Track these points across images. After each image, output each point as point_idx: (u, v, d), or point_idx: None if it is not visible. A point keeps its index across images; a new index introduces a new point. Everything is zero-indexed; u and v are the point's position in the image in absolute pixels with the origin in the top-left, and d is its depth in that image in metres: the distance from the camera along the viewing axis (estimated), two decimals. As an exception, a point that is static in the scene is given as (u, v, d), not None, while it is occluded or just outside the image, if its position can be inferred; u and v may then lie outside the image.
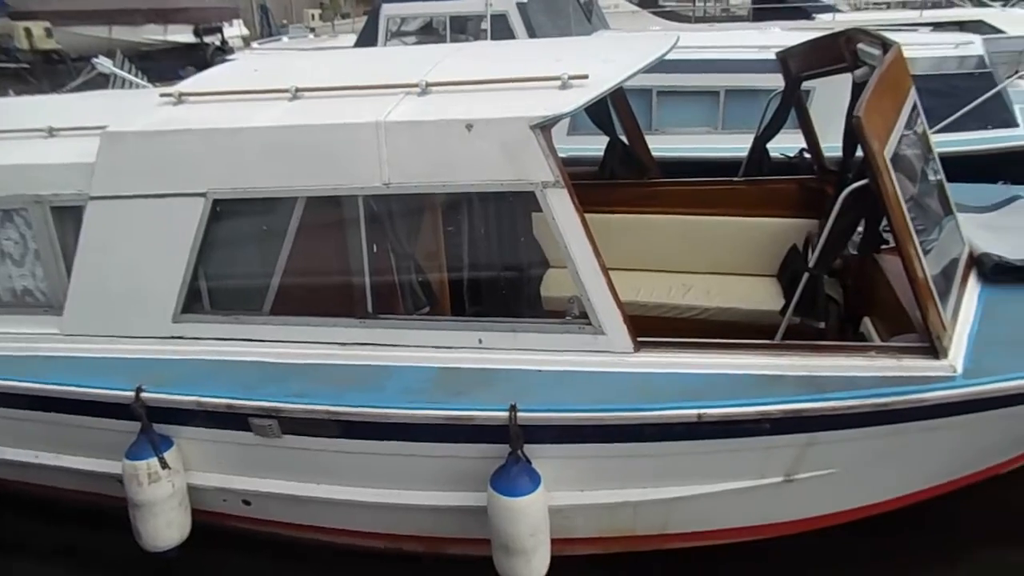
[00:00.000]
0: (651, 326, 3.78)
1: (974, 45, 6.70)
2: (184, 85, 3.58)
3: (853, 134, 3.05)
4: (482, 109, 2.88)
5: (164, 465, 3.05)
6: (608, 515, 3.10)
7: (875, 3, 19.09)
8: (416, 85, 3.07)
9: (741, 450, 2.86)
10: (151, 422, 3.05)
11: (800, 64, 4.36)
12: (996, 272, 3.34)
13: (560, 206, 2.81)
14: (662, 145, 5.11)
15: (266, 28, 17.11)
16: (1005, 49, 10.56)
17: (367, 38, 8.11)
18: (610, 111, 4.82)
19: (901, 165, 3.08)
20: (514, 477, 2.77)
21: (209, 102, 3.34)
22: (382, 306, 3.17)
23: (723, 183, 4.78)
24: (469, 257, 3.21)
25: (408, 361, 3.09)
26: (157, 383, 3.08)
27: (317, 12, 18.03)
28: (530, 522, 2.80)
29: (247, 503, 3.31)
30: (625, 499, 3.03)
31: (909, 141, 3.29)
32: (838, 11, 15.80)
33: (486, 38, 7.66)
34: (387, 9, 8.02)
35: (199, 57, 10.99)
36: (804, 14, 14.63)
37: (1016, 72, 7.64)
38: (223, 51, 12.65)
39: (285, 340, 3.22)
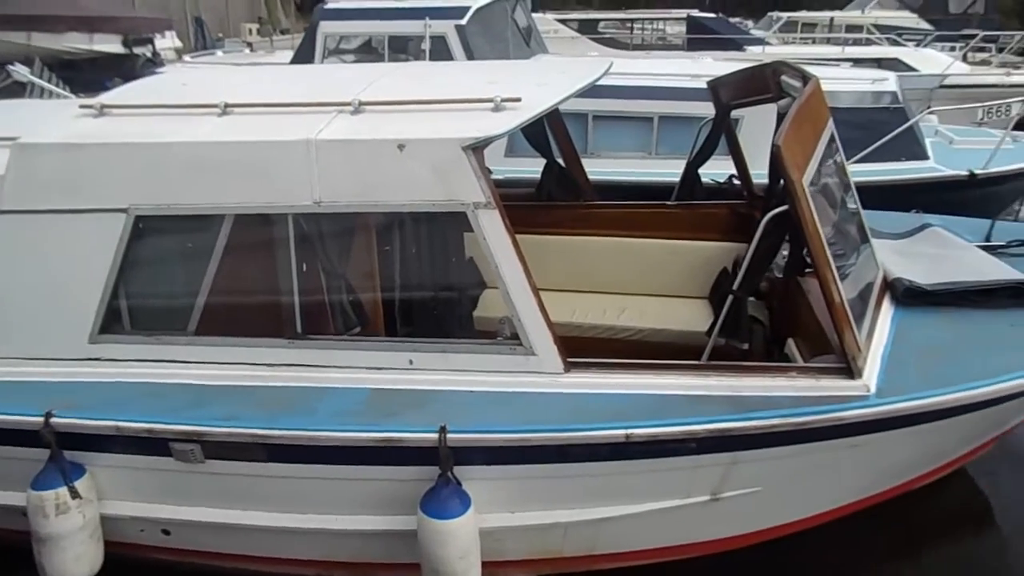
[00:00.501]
0: (586, 347, 3.82)
1: (889, 82, 7.08)
2: (107, 97, 3.47)
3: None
4: (414, 129, 2.88)
5: (74, 495, 2.88)
6: (538, 537, 3.10)
7: (802, 38, 19.93)
8: (349, 104, 3.05)
9: (668, 469, 2.90)
10: (61, 449, 2.89)
11: (729, 93, 4.52)
12: (908, 296, 3.48)
13: (491, 227, 2.83)
14: (597, 169, 5.21)
15: (200, 41, 16.73)
16: (917, 86, 11.18)
17: (304, 55, 8.00)
18: (547, 134, 4.89)
19: (819, 192, 3.21)
20: (444, 499, 2.75)
21: (133, 115, 3.23)
22: (312, 326, 3.11)
23: (657, 207, 4.89)
24: (401, 277, 3.19)
25: (339, 383, 3.04)
26: (70, 407, 2.93)
27: (255, 26, 17.74)
28: (460, 545, 2.77)
29: (166, 532, 3.18)
30: (555, 520, 3.03)
31: (827, 170, 3.43)
32: (768, 44, 16.49)
33: (426, 59, 7.70)
34: (324, 27, 7.93)
35: (128, 68, 10.61)
36: (736, 45, 15.21)
37: (927, 108, 8.08)
38: (154, 63, 12.28)
39: (210, 361, 3.13)
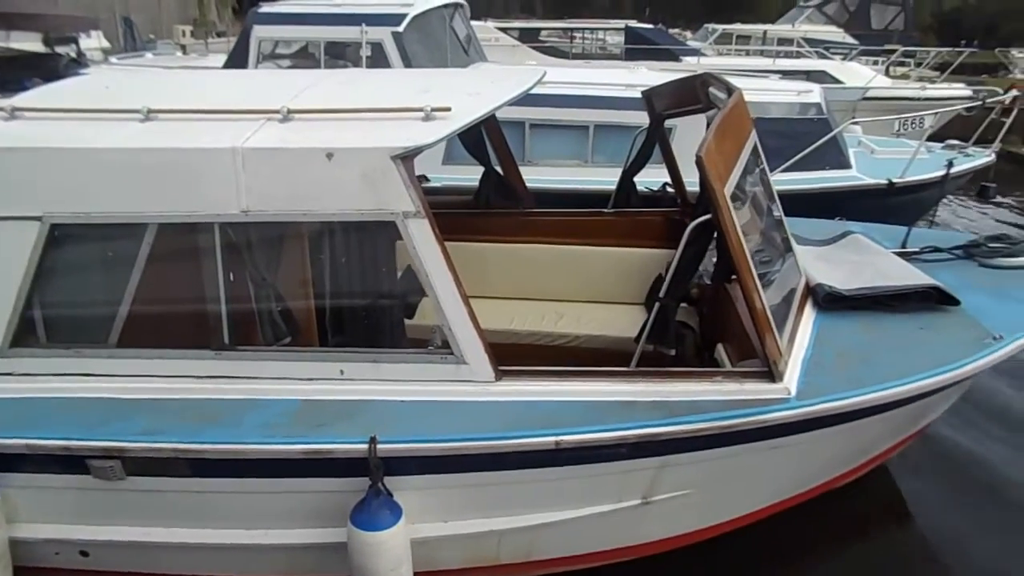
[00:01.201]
0: (524, 354, 3.84)
1: (813, 93, 7.34)
2: (21, 99, 3.33)
3: None
4: (343, 138, 2.85)
5: (-19, 520, 2.75)
6: (473, 545, 3.10)
7: (737, 50, 20.53)
8: (278, 111, 3.01)
9: (599, 475, 2.94)
10: None
11: (663, 103, 4.61)
12: (828, 301, 3.59)
13: (421, 236, 2.82)
14: (534, 176, 5.25)
15: (130, 42, 16.12)
16: (843, 98, 11.65)
17: (237, 60, 7.81)
18: (485, 141, 4.91)
19: (742, 201, 3.30)
20: (374, 511, 2.72)
21: (48, 118, 3.11)
22: (240, 337, 3.05)
23: (594, 214, 4.96)
24: (332, 286, 3.15)
25: (268, 394, 2.98)
26: None
27: (188, 28, 17.21)
28: (391, 556, 2.75)
29: (84, 554, 3.05)
30: (489, 528, 3.03)
31: (750, 179, 3.54)
32: (703, 55, 16.92)
33: (365, 65, 7.63)
34: (258, 31, 7.75)
35: (50, 68, 10.14)
36: (672, 56, 15.56)
37: (850, 120, 8.41)
38: (78, 63, 11.78)
39: (133, 374, 3.03)
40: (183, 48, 14.79)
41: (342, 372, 3.01)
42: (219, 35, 19.35)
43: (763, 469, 3.30)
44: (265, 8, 7.99)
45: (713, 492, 3.28)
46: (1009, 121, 8.11)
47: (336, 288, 3.15)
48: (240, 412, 2.90)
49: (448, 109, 2.97)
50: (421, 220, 2.81)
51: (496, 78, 3.99)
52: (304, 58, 8.15)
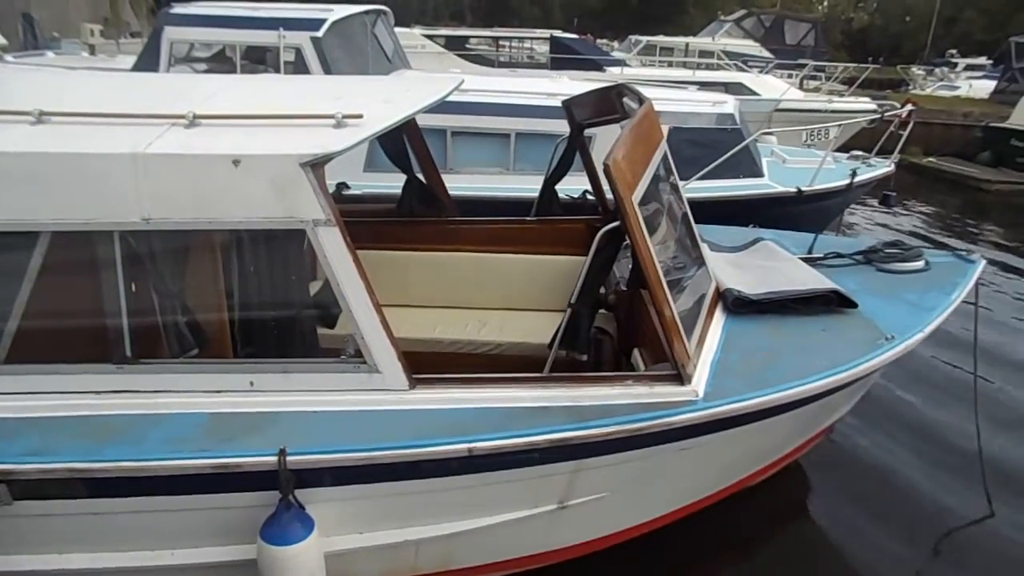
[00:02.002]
0: (447, 362, 3.82)
1: (728, 104, 7.60)
2: None
3: None
4: (251, 144, 2.78)
5: None
6: (390, 556, 3.06)
7: (660, 61, 21.07)
8: (183, 116, 2.91)
9: (514, 481, 2.94)
10: None
11: (582, 112, 4.67)
12: (737, 305, 3.71)
13: (331, 245, 2.78)
14: (456, 184, 5.25)
15: (30, 40, 15.25)
16: (757, 110, 12.14)
17: (147, 62, 7.48)
18: (407, 149, 4.88)
19: (652, 209, 3.38)
20: (285, 524, 2.66)
21: None
22: (144, 350, 2.93)
23: (517, 222, 4.99)
24: (241, 296, 3.06)
25: (173, 408, 2.87)
26: None
27: (98, 28, 16.39)
28: (303, 570, 2.69)
29: None
30: (405, 538, 3.00)
31: (660, 187, 3.63)
32: (627, 65, 17.30)
33: (284, 71, 7.48)
34: (170, 32, 7.44)
35: (-61, 66, 9.47)
36: (596, 66, 15.85)
37: (762, 130, 8.75)
38: (-37, 61, 11.05)
39: (25, 392, 2.86)
40: (91, 48, 14.11)
41: (252, 384, 2.93)
42: (134, 35, 18.60)
43: (677, 470, 3.37)
44: (177, 9, 7.67)
45: (629, 494, 3.32)
46: (906, 133, 8.59)
47: (245, 298, 3.07)
48: (143, 428, 2.78)
49: (360, 116, 2.94)
50: (331, 228, 2.77)
51: (412, 85, 3.98)
52: (222, 62, 7.90)
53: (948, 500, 4.48)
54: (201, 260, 3.11)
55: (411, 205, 5.07)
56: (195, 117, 2.91)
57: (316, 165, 2.74)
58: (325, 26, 7.34)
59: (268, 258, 2.95)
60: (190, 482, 2.69)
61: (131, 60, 8.57)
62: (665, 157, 3.75)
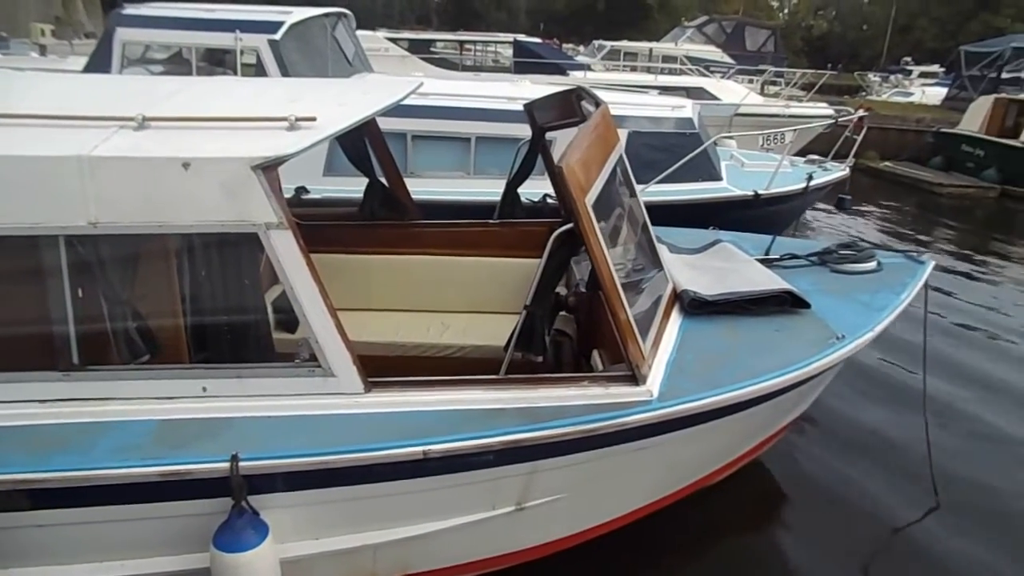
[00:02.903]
0: (409, 366, 3.80)
1: (686, 109, 7.68)
2: None
3: None
4: (202, 147, 2.74)
5: None
6: (347, 561, 3.03)
7: (625, 66, 21.29)
8: (132, 119, 2.86)
9: (471, 483, 2.94)
10: None
11: (543, 116, 4.69)
12: (693, 306, 3.75)
13: (284, 248, 2.75)
14: (417, 188, 5.24)
15: (-23, 40, 14.84)
16: (718, 114, 12.32)
17: (99, 64, 7.32)
18: (369, 153, 4.86)
19: (607, 211, 3.41)
20: (238, 531, 2.62)
21: None
22: (92, 357, 2.86)
23: (479, 225, 4.99)
24: (193, 301, 3.01)
25: (123, 415, 2.81)
26: None
27: (49, 28, 15.97)
28: None
29: None
30: (363, 543, 2.97)
31: (615, 190, 3.66)
32: (590, 70, 17.45)
33: (242, 74, 7.39)
34: (122, 34, 7.28)
35: None
36: (560, 70, 15.96)
37: (719, 134, 8.87)
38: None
39: None
40: (41, 48, 13.78)
41: (205, 389, 2.89)
42: (88, 36, 18.19)
43: (635, 470, 3.39)
44: (130, 9, 7.49)
45: (587, 495, 3.33)
46: (860, 138, 8.80)
47: (198, 303, 3.02)
48: (90, 436, 2.72)
49: (314, 119, 2.92)
50: (284, 232, 2.74)
51: (369, 88, 3.96)
52: (178, 65, 7.77)
53: (898, 493, 4.61)
54: (152, 265, 3.06)
55: (373, 208, 5.04)
56: (145, 119, 2.86)
57: (268, 168, 2.71)
58: (283, 29, 7.26)
59: (221, 262, 2.91)
60: (140, 491, 2.64)
61: (84, 61, 8.39)
62: (621, 160, 3.78)
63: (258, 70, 7.36)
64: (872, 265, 4.52)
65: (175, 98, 3.33)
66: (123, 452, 2.66)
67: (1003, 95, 17.62)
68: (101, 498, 2.65)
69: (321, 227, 4.86)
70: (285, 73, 7.08)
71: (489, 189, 6.23)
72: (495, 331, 4.47)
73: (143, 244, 2.96)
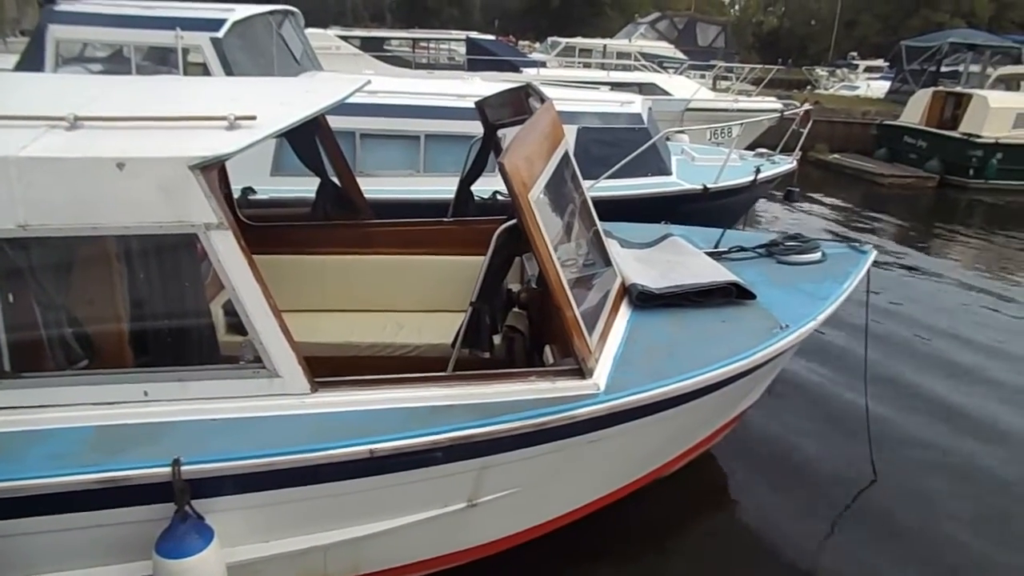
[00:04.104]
0: (364, 366, 3.77)
1: (635, 104, 7.75)
2: None
3: None
4: (137, 147, 2.68)
5: None
6: (298, 563, 3.00)
7: (579, 62, 21.39)
8: (63, 118, 2.79)
9: (420, 481, 2.94)
10: None
11: (494, 113, 4.70)
12: (641, 299, 3.79)
13: (224, 249, 2.71)
14: (366, 187, 5.19)
15: (-98, 36, 14.22)
16: (670, 109, 12.49)
17: (31, 62, 7.05)
18: (320, 152, 4.80)
19: (552, 207, 3.43)
20: (180, 536, 2.58)
21: None
22: (25, 363, 2.79)
23: (433, 223, 4.97)
24: (133, 304, 2.95)
25: (59, 423, 2.74)
26: None
27: (-17, 25, 15.41)
28: None
29: None
30: (313, 544, 2.95)
31: (561, 186, 3.67)
32: (544, 67, 17.49)
33: (185, 73, 7.22)
34: (55, 31, 7.01)
35: None
36: (513, 67, 15.97)
37: (674, 129, 8.99)
38: None
39: None
40: (-28, 45, 13.32)
41: (146, 393, 2.83)
42: (23, 33, 17.61)
43: (585, 463, 3.41)
44: (64, 6, 7.20)
45: (539, 490, 3.35)
46: (806, 131, 9.00)
47: (138, 306, 2.96)
48: (23, 445, 2.64)
49: (254, 118, 2.88)
50: (224, 232, 2.70)
51: (313, 87, 3.93)
52: (119, 63, 7.54)
53: (842, 470, 4.82)
54: (89, 268, 2.99)
55: (326, 209, 4.99)
56: (77, 119, 2.80)
57: (207, 168, 2.66)
58: (225, 26, 7.10)
59: (160, 264, 2.85)
60: (77, 499, 2.58)
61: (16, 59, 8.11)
62: (566, 156, 3.80)
63: (205, 70, 7.21)
64: (817, 256, 4.63)
65: (110, 97, 3.26)
66: (59, 459, 2.59)
67: (941, 88, 18.18)
68: (37, 508, 2.58)
69: (274, 228, 4.80)
70: (229, 72, 6.93)
71: (439, 187, 6.23)
72: (450, 329, 4.44)
73: (79, 247, 2.89)
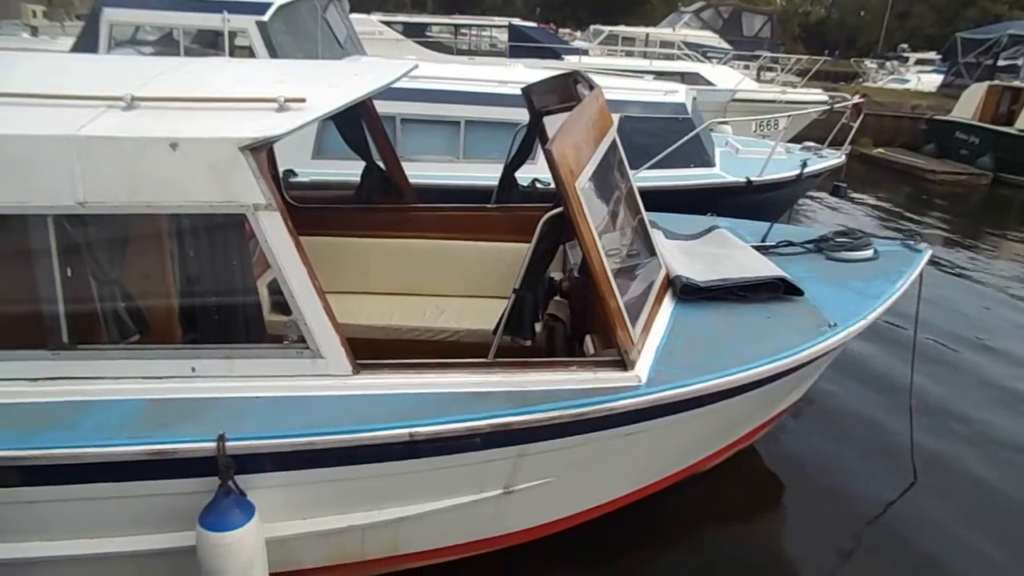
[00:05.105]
0: (404, 349, 3.80)
1: (679, 94, 7.62)
2: None
3: None
4: (190, 128, 2.73)
5: None
6: (336, 541, 3.05)
7: (622, 51, 21.18)
8: (120, 98, 2.84)
9: (458, 466, 2.95)
10: None
11: (541, 100, 4.67)
12: (685, 292, 3.74)
13: (272, 229, 2.74)
14: (407, 172, 5.21)
15: (-32, 22, 14.70)
16: (714, 99, 12.27)
17: (86, 45, 7.25)
18: (366, 136, 4.83)
19: (598, 195, 3.40)
20: (223, 511, 2.64)
21: None
22: (82, 336, 2.86)
23: (477, 209, 4.98)
24: (183, 281, 3.01)
25: (112, 395, 2.82)
26: None
27: (41, 8, 15.84)
28: (242, 557, 2.66)
29: None
30: (351, 523, 2.99)
31: (608, 175, 3.64)
32: (586, 54, 17.35)
33: (231, 55, 7.32)
34: (108, 14, 7.21)
35: None
36: (555, 55, 15.87)
37: (717, 120, 8.82)
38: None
39: None
40: (32, 29, 13.67)
41: (194, 369, 2.89)
42: (79, 17, 18.05)
43: (623, 455, 3.39)
44: None
45: (575, 480, 3.34)
46: (856, 125, 8.76)
47: (187, 284, 3.02)
48: (79, 414, 2.73)
49: (303, 100, 2.90)
50: (272, 213, 2.74)
51: (361, 70, 3.93)
52: (168, 46, 7.70)
53: (881, 477, 4.67)
54: (142, 245, 3.06)
55: (371, 192, 5.02)
56: (133, 99, 2.85)
57: (256, 149, 2.70)
58: (271, 10, 7.19)
59: (210, 243, 2.90)
60: (127, 469, 2.65)
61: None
62: (614, 144, 3.76)
63: (251, 53, 7.30)
64: (868, 253, 4.51)
65: (164, 78, 3.31)
66: (110, 430, 2.67)
67: (997, 82, 17.59)
68: (89, 476, 2.66)
69: (317, 210, 4.85)
70: (274, 55, 7.02)
71: (478, 173, 6.22)
72: (490, 316, 4.45)
73: (133, 224, 2.96)
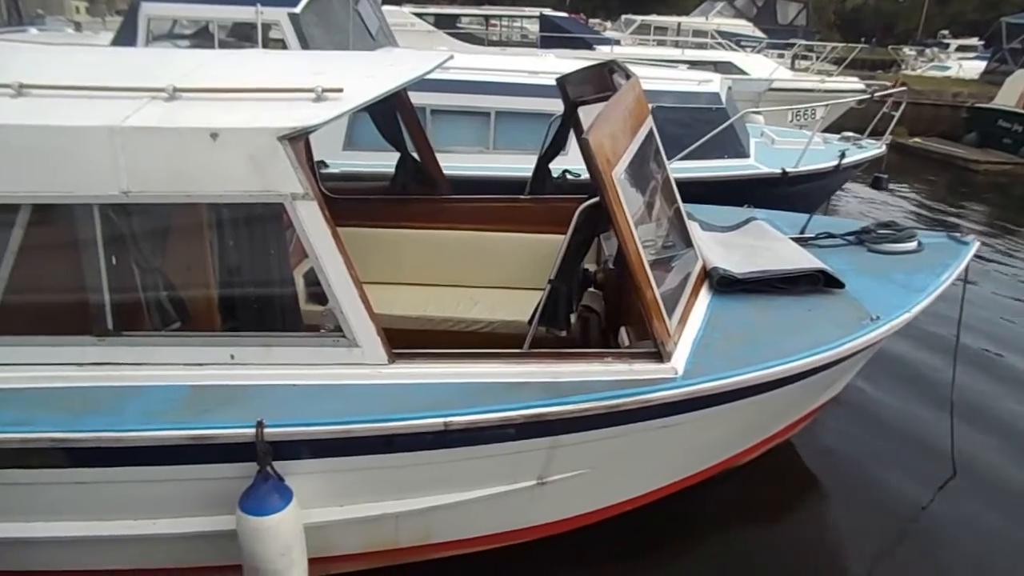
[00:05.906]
0: (438, 340, 3.82)
1: (713, 83, 7.50)
2: None
3: None
4: (229, 118, 2.76)
5: None
6: (370, 529, 3.08)
7: (654, 40, 20.96)
8: (162, 90, 2.89)
9: (492, 456, 2.96)
10: None
11: (576, 90, 4.63)
12: (722, 284, 3.69)
13: (309, 219, 2.77)
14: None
15: (14, 16, 15.04)
16: (747, 89, 12.09)
17: (125, 39, 7.42)
18: (400, 127, 4.83)
19: (635, 186, 3.37)
20: (262, 495, 2.68)
21: None
22: (125, 322, 2.93)
23: (510, 200, 4.97)
24: (223, 270, 3.06)
25: (154, 380, 2.88)
26: None
27: (83, 4, 16.18)
28: (281, 540, 2.71)
29: None
30: (385, 511, 3.02)
31: (644, 165, 3.60)
32: (617, 44, 17.20)
33: (263, 47, 7.41)
34: (147, 8, 7.37)
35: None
36: (587, 45, 15.76)
37: (750, 110, 8.68)
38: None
39: (6, 363, 2.87)
40: (76, 25, 13.96)
41: (232, 357, 2.94)
42: (119, 13, 18.38)
43: (660, 447, 3.37)
44: None
45: (609, 472, 3.33)
46: (898, 114, 8.56)
47: (227, 272, 3.07)
48: (123, 399, 2.79)
49: (340, 90, 2.92)
50: (310, 202, 2.76)
51: (396, 61, 3.95)
52: (204, 39, 7.83)
53: (920, 474, 4.57)
54: (183, 234, 3.11)
55: (405, 182, 5.04)
56: (175, 90, 2.89)
57: (294, 139, 2.72)
58: (303, 2, 7.25)
59: (249, 232, 2.94)
60: (169, 453, 2.71)
61: (114, 37, 8.47)
62: (651, 134, 3.72)
63: (284, 45, 7.38)
64: (912, 245, 4.40)
65: (204, 70, 3.35)
66: (153, 415, 2.73)
67: (1044, 69, 17.09)
68: (132, 459, 2.72)
69: (351, 200, 4.89)
70: (305, 46, 7.09)
71: (508, 165, 6.20)
72: (524, 307, 4.44)
73: (174, 213, 3.01)
